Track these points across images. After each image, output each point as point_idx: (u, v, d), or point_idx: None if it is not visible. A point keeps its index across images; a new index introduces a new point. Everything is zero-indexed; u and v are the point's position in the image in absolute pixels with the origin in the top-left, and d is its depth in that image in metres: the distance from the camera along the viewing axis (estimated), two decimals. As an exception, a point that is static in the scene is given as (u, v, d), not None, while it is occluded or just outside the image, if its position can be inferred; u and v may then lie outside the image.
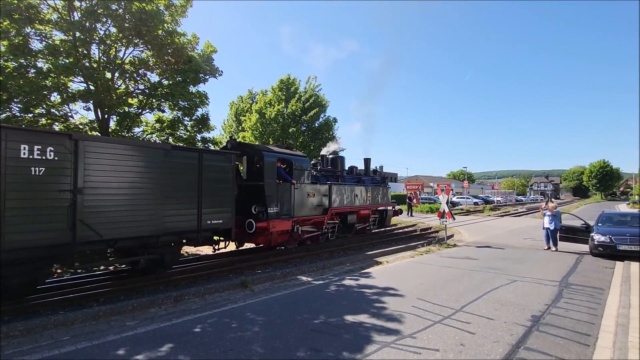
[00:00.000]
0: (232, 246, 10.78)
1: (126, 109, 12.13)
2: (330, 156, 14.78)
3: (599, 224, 12.29)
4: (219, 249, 9.90)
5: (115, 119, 12.44)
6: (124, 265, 9.02)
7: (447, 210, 14.13)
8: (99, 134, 11.78)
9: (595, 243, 11.21)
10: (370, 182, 15.60)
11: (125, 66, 11.83)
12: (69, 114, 11.73)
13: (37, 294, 6.65)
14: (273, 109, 23.88)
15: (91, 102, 11.20)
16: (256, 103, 25.45)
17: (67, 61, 10.52)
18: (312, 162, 13.99)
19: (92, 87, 11.05)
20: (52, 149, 6.03)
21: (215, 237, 9.21)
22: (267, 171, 10.08)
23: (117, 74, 11.96)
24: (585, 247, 12.02)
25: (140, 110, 12.68)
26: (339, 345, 4.63)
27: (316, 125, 25.48)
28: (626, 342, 4.70)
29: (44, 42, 10.78)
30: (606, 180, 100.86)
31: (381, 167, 18.16)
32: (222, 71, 13.08)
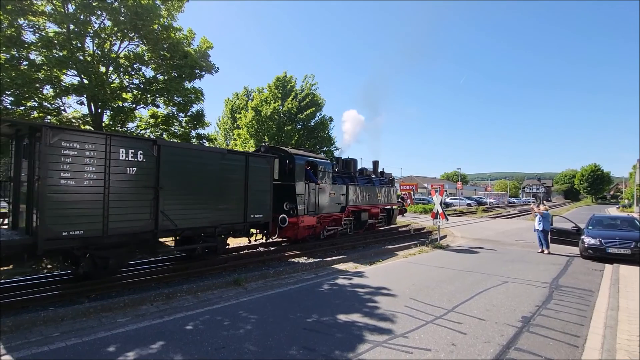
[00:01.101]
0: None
1: (120, 103, 11.99)
2: (345, 158, 16.05)
3: (590, 227, 12.45)
4: (255, 240, 11.33)
5: (109, 114, 12.31)
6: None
7: (440, 211, 14.21)
8: (92, 128, 11.64)
9: (586, 246, 11.35)
10: (378, 183, 16.86)
11: (120, 60, 11.70)
12: (62, 108, 11.58)
13: (25, 289, 6.58)
14: (269, 106, 23.78)
15: (85, 96, 11.06)
16: (252, 100, 25.36)
17: (61, 54, 10.37)
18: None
19: (85, 81, 10.91)
20: (141, 152, 7.32)
21: (252, 230, 10.65)
22: (297, 173, 11.49)
23: (111, 68, 11.82)
24: (575, 250, 12.18)
25: (134, 105, 12.54)
26: (332, 344, 4.63)
27: (312, 124, 25.45)
28: (614, 343, 4.76)
29: (37, 34, 10.62)
30: (597, 183, 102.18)
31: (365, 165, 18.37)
32: (218, 67, 12.99)
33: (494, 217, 31.54)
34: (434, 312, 6.00)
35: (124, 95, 11.91)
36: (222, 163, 8.91)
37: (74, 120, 11.74)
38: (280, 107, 24.36)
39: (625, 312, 6.10)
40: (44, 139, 6.08)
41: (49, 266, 9.12)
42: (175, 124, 13.22)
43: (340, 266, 10.28)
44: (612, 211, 44.81)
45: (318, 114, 25.76)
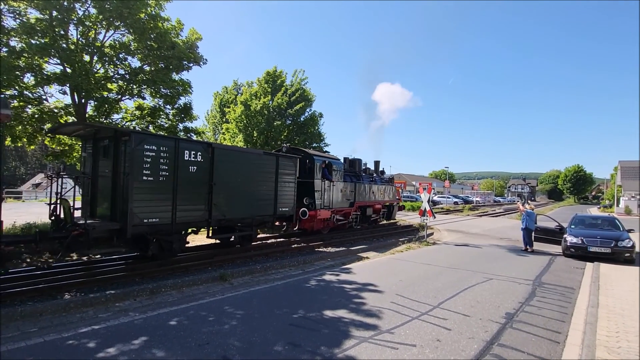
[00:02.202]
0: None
1: (105, 94, 11.66)
2: (351, 158, 17.35)
3: (572, 226, 12.73)
4: (283, 232, 13.65)
5: (93, 104, 11.96)
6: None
7: (428, 208, 14.33)
8: (75, 119, 11.31)
9: (568, 244, 11.61)
10: (380, 181, 18.46)
11: (105, 50, 11.35)
12: (44, 97, 11.20)
13: (3, 283, 6.37)
14: (259, 101, 23.52)
15: (67, 85, 10.71)
16: (241, 94, 25.04)
17: (43, 41, 10.01)
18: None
19: (68, 70, 10.57)
20: (200, 153, 8.60)
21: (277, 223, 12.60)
22: (316, 171, 13.06)
23: (96, 58, 11.47)
24: (558, 248, 12.45)
25: (119, 96, 12.21)
26: (317, 340, 4.61)
27: (302, 119, 25.29)
28: (594, 339, 4.87)
29: (18, 20, 10.23)
30: (580, 184, 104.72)
31: (365, 164, 18.59)
32: (206, 59, 12.73)
33: (480, 216, 32.04)
34: (420, 308, 6.04)
35: (108, 85, 11.56)
36: (259, 163, 10.39)
37: (56, 110, 11.37)
38: (270, 102, 24.14)
39: (605, 309, 6.25)
40: (132, 143, 7.27)
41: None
42: (162, 116, 12.92)
43: (328, 262, 10.29)
44: (594, 211, 46.01)
45: (308, 110, 25.58)
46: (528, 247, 12.78)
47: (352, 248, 12.27)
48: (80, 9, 10.82)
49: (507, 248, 13.31)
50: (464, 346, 4.62)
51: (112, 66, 11.54)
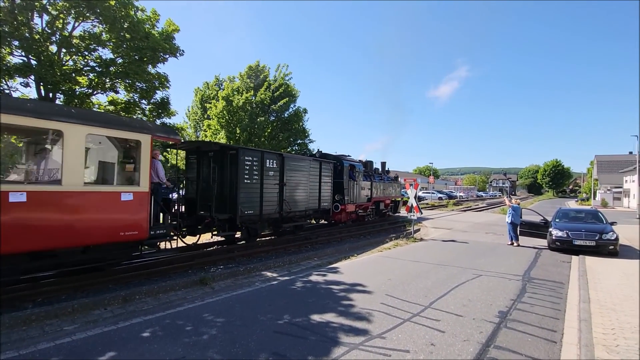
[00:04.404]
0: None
1: (75, 88, 10.93)
2: (365, 160, 19.63)
3: (557, 220, 12.78)
4: (316, 223, 16.40)
5: (62, 99, 11.21)
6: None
7: (415, 204, 14.16)
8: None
9: (554, 238, 11.62)
10: (387, 180, 21.27)
11: (74, 40, 10.62)
12: (7, 90, 10.41)
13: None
14: (241, 96, 22.90)
15: (32, 77, 9.96)
16: (223, 90, 24.32)
17: (4, 29, 9.25)
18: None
19: (33, 61, 9.83)
20: (275, 161, 11.42)
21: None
22: (345, 173, 15.82)
23: (64, 49, 10.73)
24: (543, 242, 12.48)
25: (91, 91, 11.49)
26: (304, 349, 4.27)
27: (285, 115, 24.82)
28: (591, 338, 4.70)
29: (-26, 7, 9.42)
30: (558, 178, 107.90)
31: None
32: (183, 50, 12.11)
33: (464, 210, 32.35)
34: (411, 309, 5.78)
35: (78, 78, 10.83)
36: (309, 167, 13.22)
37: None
38: (253, 98, 23.55)
39: (597, 305, 6.14)
40: (240, 156, 10.04)
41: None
42: (138, 111, 12.23)
43: (315, 262, 9.96)
44: (572, 204, 47.31)
45: (292, 105, 25.13)
46: (514, 241, 12.78)
47: (339, 246, 11.99)
48: (45, -4, 10.09)
49: (494, 243, 13.29)
50: (460, 350, 4.37)
51: (81, 58, 10.81)
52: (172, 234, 8.31)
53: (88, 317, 5.51)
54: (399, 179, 23.91)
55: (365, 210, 18.28)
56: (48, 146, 6.60)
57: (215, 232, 10.40)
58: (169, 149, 14.29)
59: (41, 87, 10.29)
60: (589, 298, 6.48)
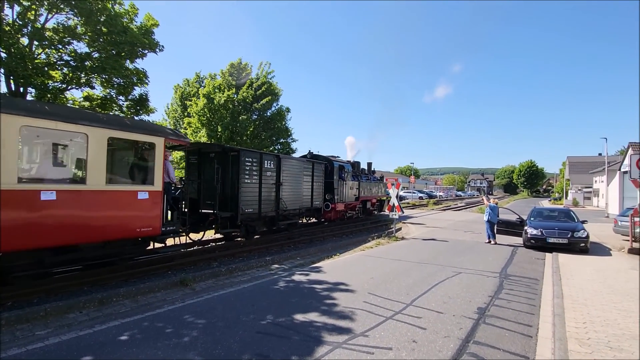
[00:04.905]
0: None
1: (48, 82, 10.47)
2: (352, 161, 20.57)
3: (532, 219, 13.23)
4: (307, 221, 16.81)
5: (34, 93, 10.73)
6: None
7: (396, 203, 14.35)
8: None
9: (529, 236, 12.03)
10: (374, 179, 22.29)
11: (47, 33, 10.18)
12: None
13: None
14: (222, 94, 22.56)
15: (1, 71, 9.49)
16: (204, 87, 23.89)
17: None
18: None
19: (3, 54, 9.36)
20: (272, 162, 12.04)
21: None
22: (335, 173, 16.68)
23: (36, 42, 10.26)
24: (519, 240, 12.89)
25: (65, 86, 11.04)
26: (288, 349, 4.25)
27: (268, 114, 24.64)
28: (564, 331, 4.89)
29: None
30: (532, 178, 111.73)
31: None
32: (163, 46, 11.82)
33: (444, 210, 33.05)
34: (393, 307, 5.85)
35: (51, 72, 10.39)
36: (303, 168, 14.11)
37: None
38: (235, 96, 23.25)
39: (569, 300, 6.40)
40: (241, 157, 10.59)
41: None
42: (115, 108, 11.84)
43: (297, 261, 9.94)
44: (545, 203, 49.08)
45: (275, 104, 24.98)
46: (491, 239, 13.14)
47: (322, 246, 12.01)
48: (15, -14, 9.61)
49: (472, 241, 13.62)
50: (441, 346, 4.45)
51: (54, 51, 10.37)
52: (180, 230, 8.77)
53: (62, 320, 5.30)
54: (384, 179, 24.47)
55: (354, 209, 19.31)
56: (73, 148, 6.91)
57: (214, 229, 10.66)
58: (170, 151, 14.51)
59: (11, 81, 9.82)
60: (562, 294, 6.75)
